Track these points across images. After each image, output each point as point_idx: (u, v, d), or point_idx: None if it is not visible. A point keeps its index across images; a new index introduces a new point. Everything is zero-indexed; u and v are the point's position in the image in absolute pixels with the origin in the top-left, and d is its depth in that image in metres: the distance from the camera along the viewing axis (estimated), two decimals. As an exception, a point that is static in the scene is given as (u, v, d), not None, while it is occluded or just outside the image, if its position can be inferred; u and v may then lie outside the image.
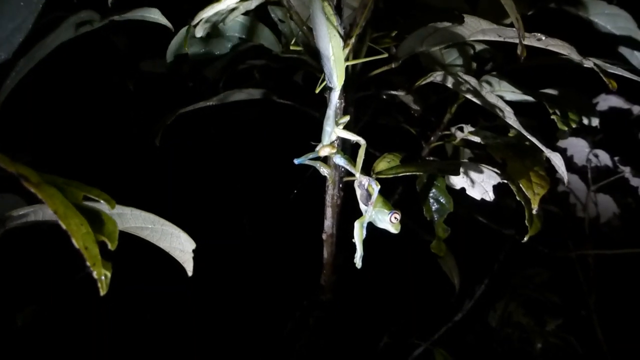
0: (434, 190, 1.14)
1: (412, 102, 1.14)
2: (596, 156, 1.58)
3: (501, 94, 1.06)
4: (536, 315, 2.00)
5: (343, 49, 0.69)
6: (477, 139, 1.08)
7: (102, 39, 1.37)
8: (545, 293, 1.99)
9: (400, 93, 0.96)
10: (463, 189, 1.03)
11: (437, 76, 0.92)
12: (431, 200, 1.14)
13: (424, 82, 0.94)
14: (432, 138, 1.20)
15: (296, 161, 0.73)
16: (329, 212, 0.87)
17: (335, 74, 0.69)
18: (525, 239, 1.05)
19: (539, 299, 1.99)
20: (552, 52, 1.08)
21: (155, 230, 0.68)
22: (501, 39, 0.83)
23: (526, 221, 1.01)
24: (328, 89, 0.71)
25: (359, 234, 0.69)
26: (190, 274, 0.72)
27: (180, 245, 0.70)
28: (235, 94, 0.94)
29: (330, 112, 0.70)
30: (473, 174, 0.87)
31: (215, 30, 0.92)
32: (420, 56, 1.11)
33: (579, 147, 1.59)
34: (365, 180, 0.69)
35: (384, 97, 1.17)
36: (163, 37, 0.94)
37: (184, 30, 0.90)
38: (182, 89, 1.12)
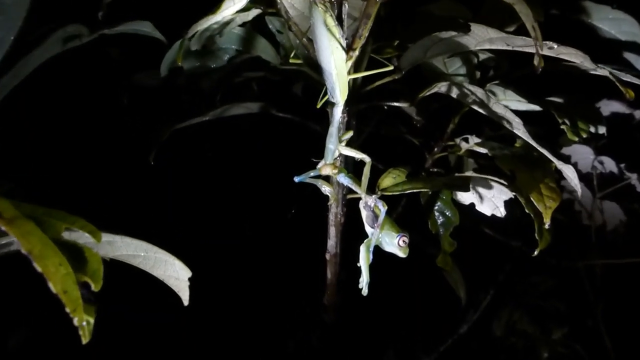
0: (439, 203, 1.09)
1: (415, 113, 1.09)
2: (601, 163, 1.53)
3: (507, 103, 1.01)
4: (542, 323, 1.95)
5: (346, 62, 0.64)
6: (483, 150, 1.03)
7: (97, 51, 1.33)
8: (551, 301, 1.95)
9: (403, 105, 0.91)
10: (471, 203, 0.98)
11: (441, 87, 0.87)
12: (436, 214, 1.10)
13: (428, 94, 0.90)
14: (435, 149, 1.15)
15: (296, 179, 0.68)
16: (332, 231, 0.82)
17: (338, 89, 0.64)
18: (536, 252, 1.00)
19: (544, 307, 1.94)
20: (558, 58, 1.03)
21: (148, 258, 0.63)
22: (509, 48, 0.79)
23: (536, 235, 0.96)
24: (330, 104, 0.67)
25: (365, 259, 0.64)
26: (186, 303, 0.67)
27: (175, 273, 0.65)
28: (233, 108, 0.89)
29: (333, 129, 0.65)
30: (483, 189, 0.83)
31: (211, 43, 0.87)
32: (423, 66, 1.06)
33: (583, 154, 1.54)
34: (371, 200, 0.64)
35: (386, 108, 1.12)
36: (158, 50, 0.90)
37: (178, 43, 0.85)
38: (177, 102, 1.08)
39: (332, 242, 0.83)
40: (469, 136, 1.05)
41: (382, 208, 0.62)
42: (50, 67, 1.33)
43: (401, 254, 0.65)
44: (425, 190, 0.75)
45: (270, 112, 0.92)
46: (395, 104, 0.90)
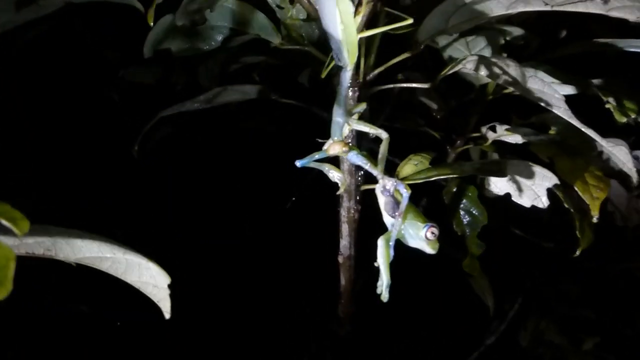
0: (465, 200, 0.95)
1: (434, 101, 0.96)
2: (636, 158, 1.37)
3: (540, 83, 0.87)
4: (571, 333, 1.79)
5: (354, 16, 0.51)
6: (512, 140, 0.89)
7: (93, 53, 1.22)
8: (581, 309, 1.79)
9: (422, 85, 0.78)
10: (499, 197, 0.84)
11: (468, 62, 0.74)
12: (462, 212, 0.96)
13: (451, 71, 0.76)
14: (458, 141, 1.02)
15: (299, 163, 0.55)
16: (344, 229, 0.68)
17: (346, 49, 0.51)
18: (577, 253, 0.86)
19: (573, 315, 1.78)
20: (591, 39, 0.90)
21: (117, 261, 0.50)
22: (548, 8, 0.65)
23: (577, 232, 0.82)
24: (337, 70, 0.54)
25: (384, 255, 0.50)
26: (167, 315, 0.54)
27: (152, 280, 0.52)
28: (227, 93, 0.76)
29: (341, 97, 0.52)
30: (521, 176, 0.68)
31: (200, 19, 0.75)
32: (441, 50, 0.93)
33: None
34: (390, 183, 0.50)
35: (401, 95, 0.99)
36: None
37: (163, 19, 0.73)
38: (171, 94, 0.96)
39: (345, 242, 0.70)
40: (496, 124, 0.91)
41: (405, 192, 0.49)
42: (46, 67, 1.23)
43: (429, 249, 0.51)
44: (451, 176, 0.61)
45: (270, 98, 0.79)
46: (414, 85, 0.76)
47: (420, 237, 0.50)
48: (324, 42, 0.84)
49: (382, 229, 0.54)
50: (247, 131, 1.23)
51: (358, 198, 0.69)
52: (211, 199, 1.26)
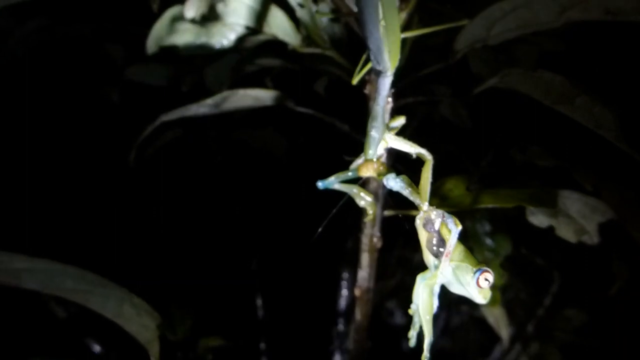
0: (487, 225, 0.85)
1: (460, 117, 0.85)
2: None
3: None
4: (574, 362, 1.68)
5: (399, 12, 0.41)
6: (544, 163, 0.79)
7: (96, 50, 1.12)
8: (585, 337, 1.68)
9: (452, 100, 0.67)
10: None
11: (509, 74, 0.64)
12: (483, 238, 0.86)
13: (487, 86, 0.66)
14: (482, 163, 0.91)
15: (320, 185, 0.45)
16: (365, 259, 0.58)
17: (387, 50, 0.40)
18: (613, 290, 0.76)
19: (578, 343, 1.67)
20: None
21: (94, 294, 0.39)
22: (609, 18, 0.55)
23: (614, 270, 0.72)
24: (374, 75, 0.43)
25: (426, 304, 0.39)
26: (155, 360, 0.43)
27: (138, 318, 0.41)
28: (238, 98, 0.65)
29: (379, 108, 0.42)
30: (571, 208, 0.58)
31: (213, 15, 0.65)
32: (471, 60, 0.83)
33: None
34: (436, 215, 0.40)
35: (425, 110, 0.89)
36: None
37: (171, 10, 0.63)
38: (177, 97, 0.85)
39: (364, 274, 0.59)
40: (527, 145, 0.81)
41: (454, 228, 0.38)
42: (40, 63, 1.12)
43: (480, 299, 0.41)
44: (506, 206, 0.51)
45: (286, 106, 0.68)
46: (449, 98, 0.66)
47: (471, 283, 0.39)
48: (347, 47, 0.74)
49: (420, 263, 0.43)
50: (258, 145, 1.13)
51: (380, 223, 0.59)
52: (215, 224, 1.14)
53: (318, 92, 0.91)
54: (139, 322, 0.41)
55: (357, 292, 0.60)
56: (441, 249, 0.39)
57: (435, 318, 0.40)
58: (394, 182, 0.40)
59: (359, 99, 0.66)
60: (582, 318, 1.76)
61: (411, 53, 0.71)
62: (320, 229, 0.45)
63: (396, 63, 0.42)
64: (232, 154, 1.15)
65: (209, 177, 1.15)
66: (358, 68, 0.47)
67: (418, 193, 0.40)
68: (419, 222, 0.40)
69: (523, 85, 0.63)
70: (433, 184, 0.58)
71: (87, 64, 1.12)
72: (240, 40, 0.70)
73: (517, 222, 0.81)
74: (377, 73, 0.42)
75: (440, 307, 0.42)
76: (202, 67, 0.88)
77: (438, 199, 0.58)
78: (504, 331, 1.10)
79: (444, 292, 0.45)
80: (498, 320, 1.09)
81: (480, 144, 0.89)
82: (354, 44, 0.76)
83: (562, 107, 0.62)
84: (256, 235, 1.10)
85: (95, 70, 1.09)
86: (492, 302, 0.93)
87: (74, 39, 1.08)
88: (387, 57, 0.41)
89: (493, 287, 0.90)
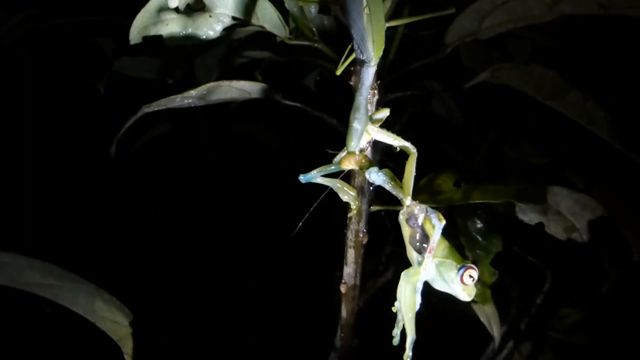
0: (478, 222, 0.83)
1: (451, 113, 0.84)
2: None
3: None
4: (566, 360, 1.67)
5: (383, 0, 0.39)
6: (537, 161, 0.78)
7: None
8: (577, 336, 1.67)
9: (443, 96, 0.66)
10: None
11: (497, 70, 0.63)
12: (475, 235, 0.84)
13: (479, 80, 0.65)
14: (474, 160, 0.90)
15: (302, 179, 0.43)
16: (350, 255, 0.56)
17: (370, 39, 0.39)
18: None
19: (570, 342, 1.66)
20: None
21: (63, 289, 0.37)
22: (602, 12, 0.54)
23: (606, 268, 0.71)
24: (358, 65, 0.42)
25: (409, 302, 0.38)
26: (128, 358, 0.41)
27: (109, 315, 0.39)
28: (224, 90, 0.64)
29: (361, 99, 0.40)
30: (560, 204, 0.57)
31: (199, 4, 0.63)
32: (462, 54, 0.81)
33: None
34: (419, 210, 0.38)
35: (415, 105, 0.87)
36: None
37: (155, 0, 0.61)
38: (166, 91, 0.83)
39: (349, 270, 0.57)
40: (520, 142, 0.80)
41: (438, 223, 0.37)
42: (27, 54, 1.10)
43: (464, 295, 0.39)
44: (494, 202, 0.50)
45: (273, 99, 0.67)
46: (438, 90, 0.64)
47: (455, 280, 0.38)
48: (337, 39, 0.72)
49: (403, 259, 0.42)
50: (245, 139, 1.11)
51: (367, 218, 0.57)
52: (199, 218, 1.12)
53: (308, 88, 0.90)
54: (111, 318, 0.39)
55: (342, 289, 0.59)
56: (425, 245, 0.38)
57: (423, 316, 0.39)
58: (376, 176, 0.39)
59: (347, 92, 0.65)
60: (575, 317, 1.75)
61: (401, 47, 0.70)
62: (300, 223, 0.43)
63: (380, 53, 0.40)
64: (225, 149, 1.13)
65: (201, 173, 1.13)
66: (343, 58, 0.45)
67: (401, 187, 0.39)
68: (402, 217, 0.39)
69: (514, 79, 0.62)
70: (422, 179, 0.57)
71: (76, 56, 1.11)
72: (228, 31, 0.68)
73: (508, 220, 0.79)
74: (361, 63, 0.40)
75: (429, 305, 0.40)
76: (191, 60, 0.87)
77: (427, 194, 0.56)
78: (496, 330, 1.08)
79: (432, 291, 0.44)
80: (490, 318, 1.07)
81: (471, 140, 0.88)
82: (343, 36, 0.75)
83: (554, 103, 0.61)
84: (247, 230, 1.09)
85: (85, 62, 1.07)
86: (484, 300, 0.91)
87: (64, 31, 1.06)
88: (371, 46, 0.39)
89: (485, 285, 0.89)
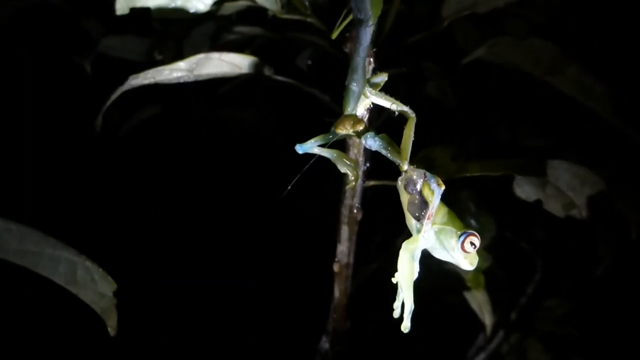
0: (471, 206, 0.82)
1: (447, 92, 0.82)
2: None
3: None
4: (558, 352, 1.67)
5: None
6: (534, 143, 0.76)
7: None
8: (567, 327, 1.67)
9: (441, 72, 0.64)
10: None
11: (495, 45, 0.61)
12: (468, 219, 0.83)
13: (476, 56, 0.63)
14: (467, 143, 0.88)
15: (299, 149, 0.41)
16: (344, 231, 0.55)
17: (368, -3, 0.37)
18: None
19: (559, 334, 1.66)
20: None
21: (44, 257, 0.35)
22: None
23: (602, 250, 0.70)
24: (354, 29, 0.40)
25: (407, 271, 0.36)
26: (113, 332, 0.39)
27: (92, 285, 0.37)
28: (213, 64, 0.62)
29: (359, 59, 0.38)
30: (559, 179, 0.55)
31: (188, -26, 0.61)
32: (458, 31, 0.80)
33: None
34: (417, 176, 0.36)
35: (410, 84, 0.86)
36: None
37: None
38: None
39: (343, 248, 0.56)
40: (518, 125, 0.78)
41: (437, 188, 0.35)
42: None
43: (466, 263, 0.38)
44: (492, 174, 0.48)
45: (264, 74, 0.65)
46: (436, 66, 0.63)
47: (456, 247, 0.36)
48: (329, 15, 0.70)
49: (403, 228, 0.40)
50: (237, 126, 1.08)
51: (361, 193, 0.55)
52: (193, 195, 1.10)
53: (300, 68, 0.88)
54: (94, 289, 0.37)
55: (335, 267, 0.57)
56: (424, 212, 0.36)
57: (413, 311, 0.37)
58: (373, 141, 0.37)
59: (340, 69, 0.63)
60: (564, 308, 1.75)
61: (396, 24, 0.68)
62: (289, 187, 0.41)
63: (378, 12, 0.38)
64: (217, 136, 1.11)
65: (195, 163, 1.11)
66: (340, 20, 0.44)
67: (399, 153, 0.37)
68: (400, 184, 0.37)
69: (512, 55, 0.61)
70: (418, 152, 0.55)
71: (62, 36, 1.08)
72: (218, 5, 0.66)
73: (502, 204, 0.78)
74: (358, 22, 0.39)
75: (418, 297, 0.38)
76: (180, 40, 0.84)
77: (422, 166, 0.55)
78: (488, 318, 1.07)
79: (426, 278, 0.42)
80: (481, 306, 1.06)
81: (466, 123, 0.86)
82: (336, 12, 0.73)
83: (552, 79, 0.59)
84: (245, 224, 1.07)
85: (69, 42, 1.04)
86: (477, 285, 0.91)
87: (49, 10, 1.03)
88: (368, 4, 0.37)
89: (478, 270, 0.88)
